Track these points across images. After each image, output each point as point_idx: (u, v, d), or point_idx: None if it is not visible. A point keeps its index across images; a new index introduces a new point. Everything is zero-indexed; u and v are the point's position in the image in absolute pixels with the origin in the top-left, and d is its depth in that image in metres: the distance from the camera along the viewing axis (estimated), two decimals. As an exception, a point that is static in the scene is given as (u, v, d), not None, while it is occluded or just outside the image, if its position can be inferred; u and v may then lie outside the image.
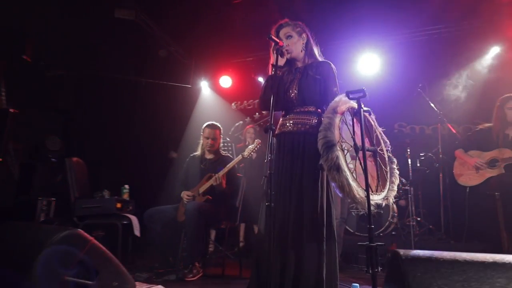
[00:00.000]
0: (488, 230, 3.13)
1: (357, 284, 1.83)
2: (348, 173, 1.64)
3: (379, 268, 1.64)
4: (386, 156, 1.99)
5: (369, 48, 5.39)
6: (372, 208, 1.73)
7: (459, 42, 5.03)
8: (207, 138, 3.13)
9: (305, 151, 2.00)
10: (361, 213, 3.92)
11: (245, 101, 6.53)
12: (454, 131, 3.86)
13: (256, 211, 4.25)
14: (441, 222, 3.75)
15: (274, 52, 2.07)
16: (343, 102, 1.79)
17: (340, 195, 1.70)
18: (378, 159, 1.92)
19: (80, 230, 1.78)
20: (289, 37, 2.14)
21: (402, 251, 1.16)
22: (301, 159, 2.00)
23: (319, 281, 1.87)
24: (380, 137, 2.01)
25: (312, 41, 2.24)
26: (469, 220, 3.23)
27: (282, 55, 2.14)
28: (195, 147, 5.39)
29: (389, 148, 2.03)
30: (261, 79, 6.31)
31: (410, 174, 3.86)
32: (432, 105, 3.95)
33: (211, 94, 6.36)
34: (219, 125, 3.22)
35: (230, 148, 4.39)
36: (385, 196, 1.86)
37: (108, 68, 4.96)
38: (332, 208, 2.06)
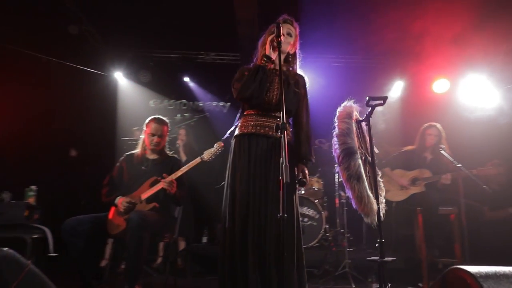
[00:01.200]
0: (409, 241, 3.51)
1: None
2: (366, 183, 1.55)
3: (389, 285, 1.59)
4: (374, 168, 1.99)
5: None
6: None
7: (370, 73, 5.73)
8: (153, 135, 2.64)
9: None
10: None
11: (165, 100, 5.98)
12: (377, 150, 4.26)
13: (186, 222, 3.87)
14: (363, 234, 4.06)
15: (272, 43, 1.90)
16: (355, 108, 1.71)
17: (355, 206, 1.59)
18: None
19: (11, 250, 1.19)
20: (289, 34, 2.03)
21: (468, 268, 1.10)
22: (276, 167, 1.84)
23: None
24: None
25: (297, 55, 2.19)
26: (395, 233, 3.57)
27: (274, 50, 1.99)
28: (110, 142, 4.66)
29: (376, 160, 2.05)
30: (187, 79, 5.92)
31: (337, 187, 4.10)
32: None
33: (128, 87, 5.60)
34: (167, 121, 2.77)
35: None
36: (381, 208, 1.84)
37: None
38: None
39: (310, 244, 3.78)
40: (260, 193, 1.78)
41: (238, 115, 4.65)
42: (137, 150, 2.73)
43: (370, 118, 1.70)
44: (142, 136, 2.76)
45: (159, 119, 2.70)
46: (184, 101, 6.03)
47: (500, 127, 4.14)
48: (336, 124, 1.67)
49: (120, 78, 5.52)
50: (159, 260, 3.75)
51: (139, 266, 2.21)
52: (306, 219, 3.91)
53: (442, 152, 3.32)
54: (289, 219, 1.74)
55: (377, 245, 1.60)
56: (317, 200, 4.13)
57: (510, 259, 3.06)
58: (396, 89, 5.43)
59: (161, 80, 5.82)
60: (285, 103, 1.92)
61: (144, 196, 2.47)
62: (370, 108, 1.66)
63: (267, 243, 1.68)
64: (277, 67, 2.11)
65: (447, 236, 3.25)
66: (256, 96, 1.85)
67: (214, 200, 4.74)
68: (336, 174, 4.17)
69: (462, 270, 1.11)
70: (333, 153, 1.63)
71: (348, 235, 3.58)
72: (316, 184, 4.24)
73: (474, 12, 4.04)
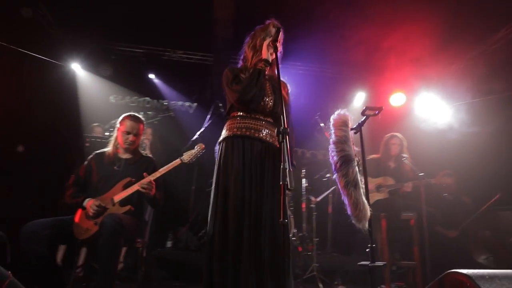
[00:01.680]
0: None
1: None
2: (362, 190, 1.60)
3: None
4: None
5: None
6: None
7: (336, 83, 5.97)
8: (128, 133, 2.47)
9: (275, 164, 1.84)
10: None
11: (127, 97, 5.67)
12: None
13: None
14: (327, 238, 4.18)
15: (271, 46, 1.88)
16: (349, 117, 1.75)
17: (350, 212, 1.63)
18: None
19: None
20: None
21: (465, 271, 1.17)
22: (271, 172, 1.82)
23: None
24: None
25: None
26: (358, 236, 3.72)
27: (271, 54, 1.99)
28: (66, 139, 4.27)
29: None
30: (152, 76, 5.67)
31: (304, 192, 4.20)
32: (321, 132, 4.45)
33: (86, 81, 5.22)
34: (143, 119, 2.62)
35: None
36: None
37: None
38: None
39: (278, 249, 3.79)
40: (257, 195, 1.74)
41: (209, 116, 4.51)
42: (108, 149, 2.53)
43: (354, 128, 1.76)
44: (108, 134, 2.58)
45: (135, 116, 2.54)
46: (147, 98, 5.78)
47: (450, 141, 4.54)
48: (332, 131, 1.69)
49: (78, 70, 5.12)
50: (121, 266, 3.52)
51: (112, 274, 2.04)
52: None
53: (405, 161, 3.54)
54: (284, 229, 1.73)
55: (367, 250, 1.65)
56: (284, 205, 4.18)
57: (465, 262, 3.34)
58: (358, 100, 5.71)
59: (124, 75, 5.52)
60: (279, 109, 1.93)
61: (118, 198, 2.30)
62: (364, 117, 1.72)
63: (263, 246, 1.64)
64: (266, 72, 2.12)
65: (408, 240, 3.46)
66: (256, 100, 1.83)
67: (178, 203, 4.59)
68: (304, 179, 4.28)
69: (460, 274, 1.19)
70: (330, 160, 1.65)
71: (317, 239, 3.66)
72: (284, 188, 4.29)
73: (432, 38, 4.41)
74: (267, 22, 2.16)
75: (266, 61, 1.88)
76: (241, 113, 1.92)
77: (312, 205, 3.73)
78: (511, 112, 3.99)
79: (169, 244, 3.98)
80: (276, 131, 1.58)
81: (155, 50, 5.65)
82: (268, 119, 1.92)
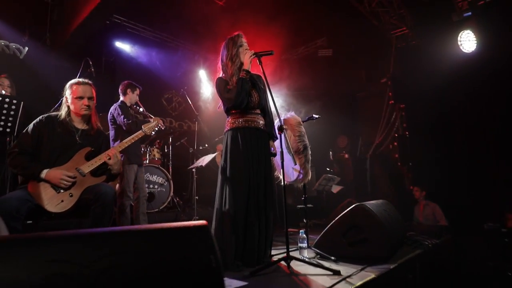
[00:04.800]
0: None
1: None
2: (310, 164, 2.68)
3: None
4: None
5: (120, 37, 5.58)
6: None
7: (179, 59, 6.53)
8: (81, 98, 2.31)
9: (265, 144, 2.59)
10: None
11: None
12: (206, 128, 5.28)
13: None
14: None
15: (253, 58, 2.49)
16: (297, 117, 2.76)
17: (300, 178, 2.66)
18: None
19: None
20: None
21: (364, 203, 2.54)
22: (263, 151, 2.52)
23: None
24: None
25: None
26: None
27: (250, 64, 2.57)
28: None
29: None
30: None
31: (171, 156, 4.81)
32: (192, 106, 5.12)
33: None
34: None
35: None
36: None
37: None
38: None
39: (161, 208, 4.28)
40: (258, 166, 2.41)
41: (79, 74, 4.18)
42: (60, 114, 2.31)
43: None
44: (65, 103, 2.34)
45: (83, 81, 2.35)
46: None
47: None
48: (296, 128, 2.63)
49: None
50: None
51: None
52: (156, 186, 4.33)
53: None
54: (271, 192, 2.50)
55: (302, 198, 2.78)
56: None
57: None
58: (202, 75, 6.59)
59: None
60: (261, 101, 2.57)
61: (85, 168, 2.23)
62: (307, 119, 2.78)
63: (262, 201, 2.40)
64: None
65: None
66: (245, 101, 2.41)
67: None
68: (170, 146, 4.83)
69: (362, 205, 2.52)
70: (296, 147, 2.59)
71: (197, 197, 4.44)
72: (157, 154, 4.66)
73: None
74: (235, 34, 2.56)
75: (248, 71, 2.43)
76: (237, 110, 2.47)
77: (193, 169, 4.44)
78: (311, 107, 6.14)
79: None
80: (277, 127, 2.36)
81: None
82: (257, 111, 2.52)
